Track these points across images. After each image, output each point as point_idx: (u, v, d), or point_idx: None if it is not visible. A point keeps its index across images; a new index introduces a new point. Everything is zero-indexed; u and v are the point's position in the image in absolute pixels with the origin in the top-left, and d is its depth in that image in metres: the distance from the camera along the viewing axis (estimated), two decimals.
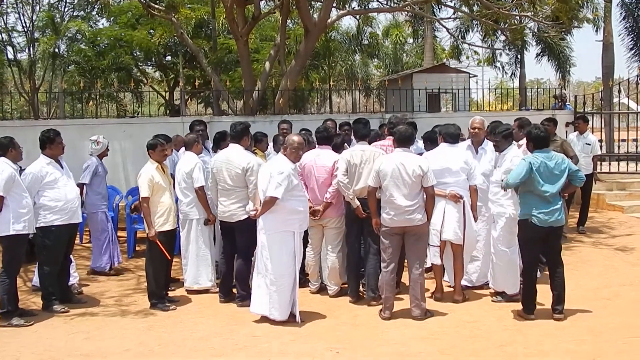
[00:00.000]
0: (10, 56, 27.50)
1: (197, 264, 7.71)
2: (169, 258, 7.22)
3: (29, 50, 26.99)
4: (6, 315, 6.65)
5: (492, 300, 7.10)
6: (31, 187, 6.99)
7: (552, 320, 6.37)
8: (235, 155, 7.19)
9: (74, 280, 7.79)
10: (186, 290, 7.75)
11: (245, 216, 7.06)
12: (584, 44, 33.53)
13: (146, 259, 7.27)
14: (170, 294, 7.58)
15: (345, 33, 29.01)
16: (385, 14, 26.77)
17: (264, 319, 6.57)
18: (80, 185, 8.53)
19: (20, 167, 7.26)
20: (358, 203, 7.03)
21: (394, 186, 6.44)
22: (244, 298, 7.14)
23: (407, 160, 6.49)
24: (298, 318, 6.50)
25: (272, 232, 6.54)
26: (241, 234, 7.21)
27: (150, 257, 7.18)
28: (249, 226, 7.04)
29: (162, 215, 7.09)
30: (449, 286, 7.39)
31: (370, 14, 25.63)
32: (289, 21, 19.28)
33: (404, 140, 6.64)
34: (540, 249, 6.58)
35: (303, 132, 8.19)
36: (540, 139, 6.43)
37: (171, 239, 7.35)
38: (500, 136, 7.11)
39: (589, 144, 11.04)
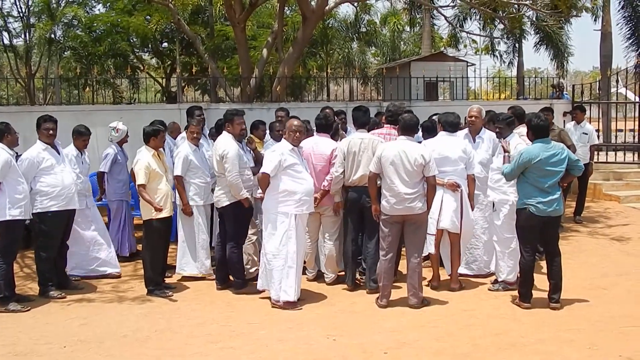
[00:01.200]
0: (6, 41, 27.36)
1: (185, 250, 7.71)
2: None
3: (25, 35, 26.83)
4: (3, 301, 6.65)
5: (489, 289, 7.11)
6: (27, 172, 6.97)
7: (548, 309, 6.38)
8: (219, 142, 7.23)
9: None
10: (184, 276, 7.75)
11: (227, 202, 7.10)
12: (582, 33, 33.46)
13: (143, 246, 7.27)
14: (167, 280, 7.58)
15: (343, 21, 28.85)
16: (383, 2, 26.90)
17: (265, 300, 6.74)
18: (101, 174, 8.53)
19: (17, 152, 7.23)
20: (339, 200, 7.16)
21: (395, 173, 6.42)
22: (239, 286, 7.17)
23: (409, 148, 6.48)
24: (284, 297, 6.53)
25: (267, 212, 6.70)
26: (227, 220, 7.24)
27: (146, 243, 7.17)
28: (232, 212, 7.12)
29: (159, 202, 7.06)
30: (447, 275, 7.39)
31: (368, 2, 25.52)
32: (286, 8, 19.21)
33: (408, 129, 6.63)
34: (538, 238, 6.58)
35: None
36: (540, 128, 6.40)
37: (167, 226, 7.33)
38: (504, 123, 7.12)
39: (586, 134, 11.04)
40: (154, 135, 7.18)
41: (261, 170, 6.68)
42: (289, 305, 6.54)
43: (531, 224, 6.40)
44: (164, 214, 7.09)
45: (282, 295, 6.56)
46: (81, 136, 7.88)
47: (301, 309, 6.55)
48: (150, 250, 7.14)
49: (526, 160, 6.27)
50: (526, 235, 6.48)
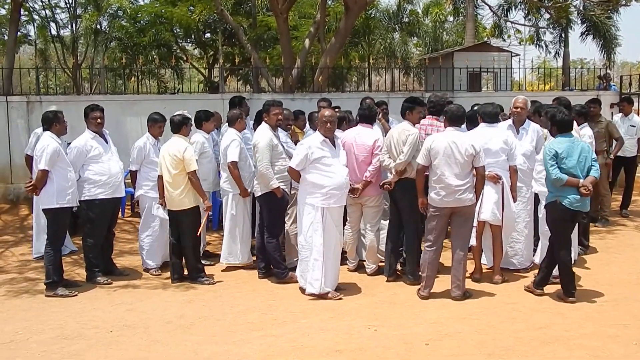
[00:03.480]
0: (54, 32, 27.99)
1: (231, 239, 7.76)
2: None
3: (72, 26, 27.42)
4: (52, 286, 6.83)
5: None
6: (76, 161, 7.13)
7: (593, 304, 6.29)
8: (256, 132, 7.39)
9: None
10: (227, 265, 7.83)
11: (261, 192, 7.19)
12: (630, 23, 32.68)
13: (184, 234, 7.27)
14: (210, 268, 7.70)
15: (385, 11, 28.71)
16: None
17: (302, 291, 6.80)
18: None
19: (66, 141, 7.39)
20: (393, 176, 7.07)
21: (446, 165, 6.38)
22: (279, 275, 7.22)
23: (459, 139, 6.44)
24: (310, 290, 6.60)
25: (299, 203, 6.81)
26: (262, 210, 7.32)
27: (191, 231, 7.22)
28: (266, 202, 7.19)
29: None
30: (488, 268, 7.34)
31: None
32: None
33: (455, 119, 6.57)
34: (571, 230, 6.46)
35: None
36: (564, 123, 6.32)
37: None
38: (547, 115, 7.01)
39: (634, 126, 10.79)
40: (185, 124, 7.26)
41: (289, 164, 6.79)
42: (313, 297, 6.58)
43: (562, 217, 6.31)
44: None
45: (307, 287, 6.64)
46: (156, 123, 7.79)
47: (341, 298, 6.57)
48: (193, 238, 7.23)
49: (553, 156, 6.20)
50: (559, 228, 6.38)
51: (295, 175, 6.74)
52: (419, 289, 6.65)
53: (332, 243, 6.67)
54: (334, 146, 6.76)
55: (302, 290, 6.74)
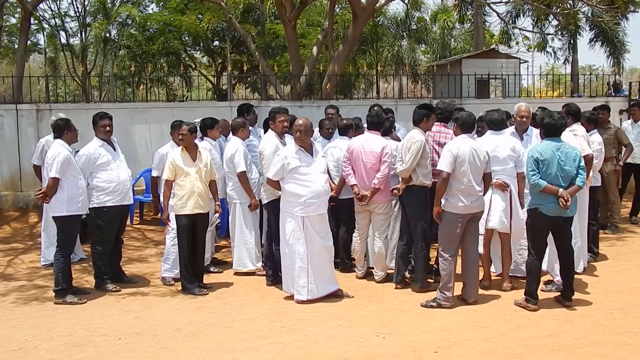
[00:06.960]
0: (63, 41, 28.20)
1: (239, 247, 7.79)
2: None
3: (81, 35, 27.64)
4: (61, 293, 6.84)
5: (542, 290, 6.96)
6: (85, 168, 7.15)
7: (603, 312, 6.25)
8: (262, 140, 7.46)
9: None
10: (234, 272, 7.85)
11: (267, 200, 7.21)
12: (639, 29, 32.59)
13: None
14: (219, 276, 7.73)
15: (393, 18, 28.77)
16: None
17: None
18: None
19: (74, 149, 7.42)
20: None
21: (469, 172, 6.39)
22: None
23: (476, 145, 6.49)
24: (297, 297, 6.67)
25: (281, 211, 6.84)
26: (269, 216, 7.34)
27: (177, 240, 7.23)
28: (273, 209, 7.18)
29: (181, 198, 7.01)
30: (496, 275, 7.32)
31: None
32: (336, 6, 19.21)
33: (468, 126, 6.60)
34: (546, 239, 6.41)
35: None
36: (550, 127, 6.30)
37: (194, 222, 7.10)
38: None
39: None
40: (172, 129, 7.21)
41: (266, 175, 6.86)
42: (302, 303, 6.64)
43: (542, 224, 6.29)
44: (187, 210, 7.00)
45: (295, 295, 6.69)
46: (174, 130, 7.80)
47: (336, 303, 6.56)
48: (179, 247, 7.16)
49: (535, 161, 6.19)
50: (536, 235, 6.37)
51: (275, 185, 6.77)
52: (441, 299, 6.48)
53: (315, 250, 6.71)
54: (312, 154, 6.78)
55: (290, 296, 6.79)
